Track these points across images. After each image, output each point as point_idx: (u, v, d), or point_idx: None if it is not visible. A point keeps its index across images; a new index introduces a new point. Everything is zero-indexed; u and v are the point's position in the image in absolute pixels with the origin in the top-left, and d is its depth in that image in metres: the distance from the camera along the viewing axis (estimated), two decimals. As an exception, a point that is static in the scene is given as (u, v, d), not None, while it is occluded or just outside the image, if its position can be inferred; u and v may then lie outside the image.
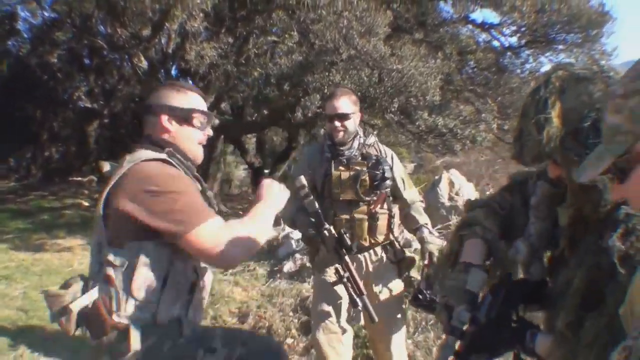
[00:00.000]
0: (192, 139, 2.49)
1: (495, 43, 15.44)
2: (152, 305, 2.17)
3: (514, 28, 15.18)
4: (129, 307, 2.14)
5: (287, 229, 8.46)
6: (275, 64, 11.07)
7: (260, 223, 2.34)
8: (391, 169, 3.82)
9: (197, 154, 2.55)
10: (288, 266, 7.58)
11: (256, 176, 18.69)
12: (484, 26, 15.36)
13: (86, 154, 20.53)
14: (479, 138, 12.40)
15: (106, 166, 2.35)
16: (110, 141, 21.13)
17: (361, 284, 3.52)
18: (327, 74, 10.68)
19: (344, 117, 3.75)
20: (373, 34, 10.51)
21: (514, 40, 15.58)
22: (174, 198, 2.12)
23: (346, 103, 3.78)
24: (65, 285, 2.32)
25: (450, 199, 9.53)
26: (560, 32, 14.66)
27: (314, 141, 12.05)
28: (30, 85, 18.45)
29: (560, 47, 15.09)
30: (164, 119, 2.38)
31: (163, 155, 2.30)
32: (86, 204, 15.30)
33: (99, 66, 18.53)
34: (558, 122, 1.57)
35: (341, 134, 3.78)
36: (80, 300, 2.21)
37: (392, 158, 3.93)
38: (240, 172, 24.37)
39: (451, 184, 9.79)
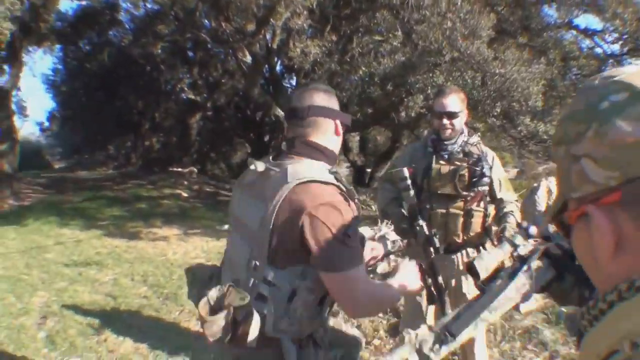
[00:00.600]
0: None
1: (598, 50, 15.18)
2: (309, 323, 2.20)
3: (615, 35, 14.84)
4: (284, 324, 2.15)
5: (384, 230, 8.47)
6: (379, 63, 11.10)
7: (393, 293, 2.34)
8: (490, 168, 3.85)
9: None
10: (382, 267, 7.58)
11: (359, 174, 18.66)
12: (587, 32, 15.06)
13: (188, 145, 20.92)
14: (580, 146, 12.17)
15: (260, 166, 2.27)
16: (212, 134, 21.40)
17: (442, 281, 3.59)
18: (430, 75, 10.69)
19: (452, 115, 3.81)
20: (477, 37, 10.45)
21: (616, 47, 15.21)
22: (342, 241, 2.07)
23: (455, 101, 3.83)
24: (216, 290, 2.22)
25: (548, 207, 9.38)
26: (660, 41, 14.30)
27: (418, 141, 12.10)
28: (133, 75, 18.97)
29: (661, 56, 14.69)
30: (339, 123, 2.36)
31: (331, 178, 2.19)
32: (185, 194, 15.66)
33: (202, 59, 18.84)
34: None
35: (448, 131, 3.83)
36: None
37: (492, 159, 3.95)
38: (343, 170, 24.55)
39: (549, 192, 9.61)
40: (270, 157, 2.38)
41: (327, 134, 2.33)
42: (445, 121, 3.80)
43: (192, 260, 8.62)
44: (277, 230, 2.09)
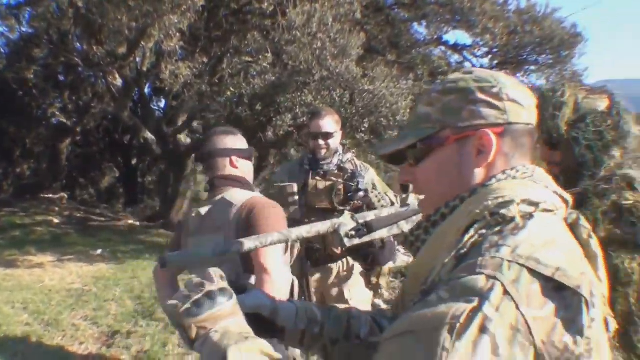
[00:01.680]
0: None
1: (467, 64, 15.67)
2: None
3: (486, 49, 15.42)
4: None
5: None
6: (248, 84, 11.12)
7: None
8: (363, 180, 3.97)
9: None
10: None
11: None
12: (457, 47, 15.57)
13: (58, 171, 20.35)
14: (448, 158, 12.52)
15: (203, 210, 2.83)
16: (81, 158, 20.88)
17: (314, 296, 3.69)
18: (299, 94, 10.78)
19: (328, 135, 3.94)
20: (346, 56, 10.64)
21: (485, 61, 15.79)
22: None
23: (330, 123, 3.97)
24: None
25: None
26: (532, 54, 14.90)
27: (285, 161, 12.13)
28: (7, 100, 18.26)
29: (532, 68, 15.34)
30: (234, 158, 2.91)
31: (259, 194, 2.89)
32: (57, 221, 15.17)
33: (73, 83, 18.39)
34: (570, 110, 2.09)
35: (324, 151, 3.96)
36: None
37: (367, 170, 4.10)
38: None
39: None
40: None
41: (227, 169, 2.90)
42: (321, 142, 3.96)
43: (69, 286, 8.57)
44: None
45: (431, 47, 15.55)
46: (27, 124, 19.40)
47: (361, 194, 3.88)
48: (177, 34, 11.04)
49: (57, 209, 17.05)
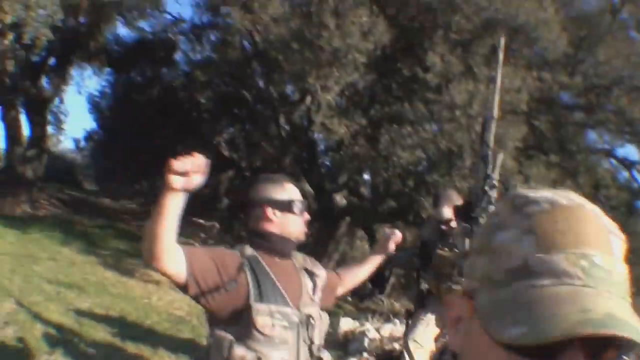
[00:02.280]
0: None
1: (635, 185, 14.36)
2: None
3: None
4: None
5: (367, 325, 8.12)
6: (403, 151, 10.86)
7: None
8: None
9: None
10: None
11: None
12: (625, 162, 14.23)
13: (214, 199, 20.22)
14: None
15: None
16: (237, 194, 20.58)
17: None
18: (447, 177, 10.38)
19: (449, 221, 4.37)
20: (502, 146, 10.23)
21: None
22: None
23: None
24: None
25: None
26: None
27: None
28: (177, 117, 18.52)
29: None
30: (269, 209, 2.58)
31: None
32: (197, 246, 15.16)
33: (247, 117, 18.31)
34: None
35: None
36: None
37: None
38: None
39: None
40: None
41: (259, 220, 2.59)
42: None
43: (173, 311, 8.38)
44: None
45: (600, 156, 14.52)
46: (194, 146, 19.47)
47: None
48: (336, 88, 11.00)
49: (203, 235, 17.09)
